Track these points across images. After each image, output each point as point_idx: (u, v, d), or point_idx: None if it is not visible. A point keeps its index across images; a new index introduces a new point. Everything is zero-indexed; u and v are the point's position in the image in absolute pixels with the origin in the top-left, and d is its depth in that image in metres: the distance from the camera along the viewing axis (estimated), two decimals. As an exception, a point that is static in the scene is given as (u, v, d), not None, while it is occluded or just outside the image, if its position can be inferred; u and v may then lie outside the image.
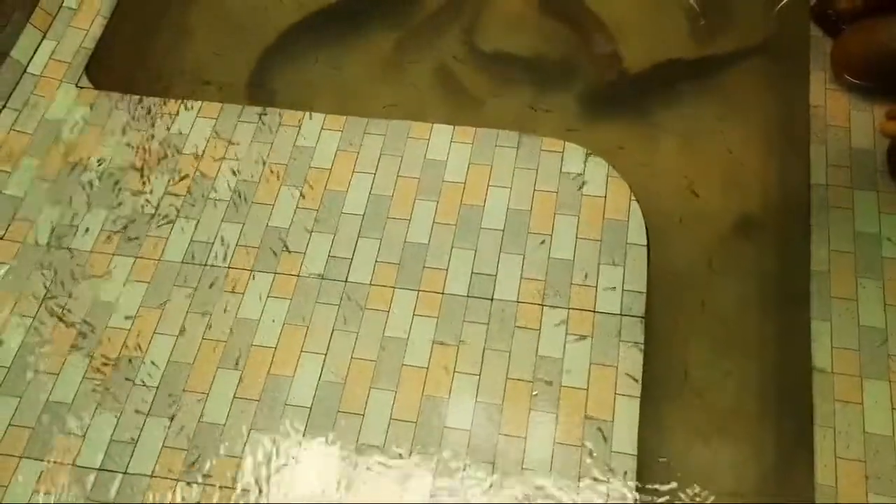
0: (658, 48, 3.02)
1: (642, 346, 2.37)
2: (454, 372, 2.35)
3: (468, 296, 2.46)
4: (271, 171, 2.71)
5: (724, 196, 2.76)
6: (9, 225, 2.66)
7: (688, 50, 3.04)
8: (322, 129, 2.78)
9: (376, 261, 2.53)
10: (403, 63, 3.09)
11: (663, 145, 2.86)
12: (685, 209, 2.72)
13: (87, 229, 2.64)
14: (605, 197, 2.59)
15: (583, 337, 2.38)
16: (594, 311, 2.41)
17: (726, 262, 2.65)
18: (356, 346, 2.40)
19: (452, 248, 2.54)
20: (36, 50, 3.01)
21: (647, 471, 2.27)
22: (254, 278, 2.52)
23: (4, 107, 2.89)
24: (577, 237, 2.53)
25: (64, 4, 3.13)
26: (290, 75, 3.09)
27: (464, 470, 2.22)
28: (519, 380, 2.33)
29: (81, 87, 2.94)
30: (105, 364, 2.41)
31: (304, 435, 2.29)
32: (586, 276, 2.46)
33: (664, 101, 2.93)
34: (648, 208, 2.58)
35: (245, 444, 2.28)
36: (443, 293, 2.47)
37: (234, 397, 2.35)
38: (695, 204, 2.73)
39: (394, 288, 2.48)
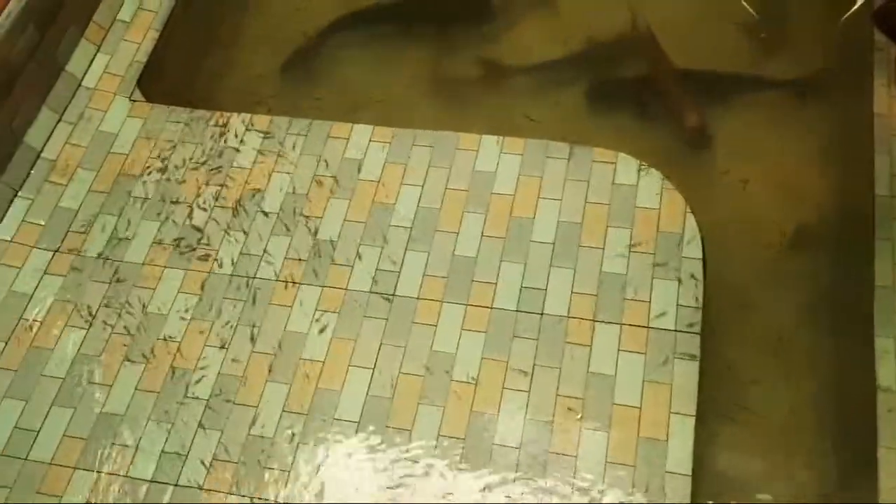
0: (716, 58, 2.96)
1: (698, 363, 2.30)
2: (503, 388, 2.31)
3: (517, 310, 2.42)
4: (320, 184, 2.71)
5: (782, 208, 2.69)
6: (64, 237, 2.70)
7: (747, 61, 2.97)
8: (370, 140, 2.77)
9: (424, 274, 2.51)
10: (451, 74, 3.07)
11: (719, 156, 2.79)
12: (742, 221, 2.65)
13: (139, 241, 2.66)
14: (659, 209, 2.53)
15: (636, 353, 2.33)
16: (647, 327, 2.36)
17: (785, 276, 2.58)
18: (404, 361, 2.38)
19: (501, 261, 2.51)
20: (90, 64, 3.06)
21: (702, 492, 2.21)
22: (302, 291, 2.52)
23: (60, 120, 2.94)
24: (630, 251, 2.47)
25: (117, 18, 3.17)
26: (340, 87, 3.09)
27: (512, 487, 2.18)
28: (569, 397, 2.28)
29: (134, 101, 2.97)
30: (157, 376, 2.42)
31: (351, 450, 2.27)
32: (639, 291, 2.41)
33: (720, 110, 2.86)
34: (704, 221, 2.51)
35: (294, 458, 2.28)
36: (491, 307, 2.43)
37: (283, 411, 2.34)
38: (752, 216, 2.66)
39: (442, 302, 2.46)
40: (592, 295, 2.42)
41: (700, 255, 2.45)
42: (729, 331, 2.46)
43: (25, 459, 2.33)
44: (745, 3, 3.08)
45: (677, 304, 2.38)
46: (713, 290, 2.43)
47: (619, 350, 2.33)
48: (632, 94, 2.99)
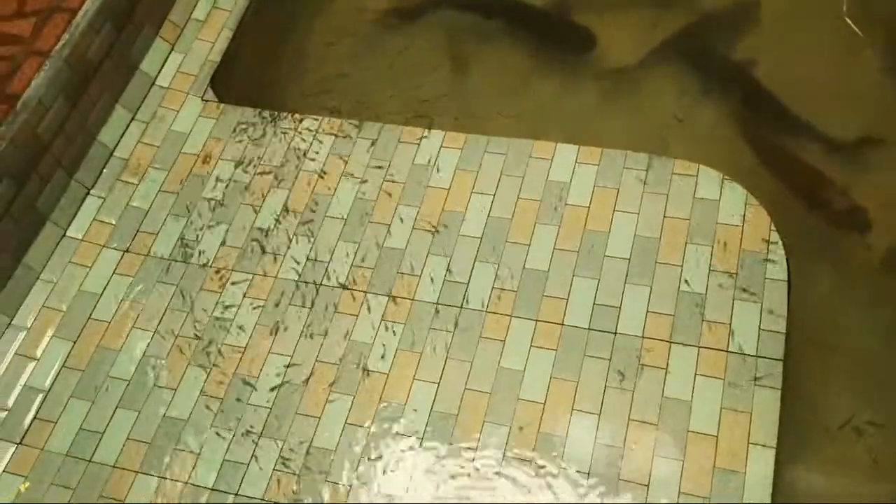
0: (818, 74, 2.82)
1: (780, 391, 2.17)
2: (573, 410, 2.22)
3: (589, 328, 2.33)
4: (388, 190, 2.65)
5: (873, 226, 2.53)
6: (134, 237, 2.71)
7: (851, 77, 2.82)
8: (441, 146, 2.70)
9: (493, 287, 2.43)
10: (531, 83, 2.99)
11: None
12: (830, 241, 2.50)
13: (207, 243, 2.65)
14: (743, 226, 2.40)
15: (714, 378, 2.21)
16: (727, 352, 2.24)
17: (875, 299, 2.43)
18: (470, 377, 2.31)
19: (574, 276, 2.41)
20: (164, 62, 3.06)
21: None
22: (368, 301, 2.47)
23: (133, 119, 2.94)
24: (710, 269, 2.35)
25: (192, 16, 3.16)
26: (412, 92, 3.03)
27: (580, 513, 2.10)
28: (642, 422, 2.18)
29: (206, 101, 2.96)
30: (221, 382, 2.41)
31: (415, 466, 2.22)
32: (719, 313, 2.29)
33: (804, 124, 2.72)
34: (790, 240, 2.38)
35: (355, 472, 2.23)
36: (562, 324, 2.34)
37: (346, 423, 2.30)
38: (841, 236, 2.51)
39: (511, 316, 2.38)
40: (669, 315, 2.31)
41: (785, 277, 2.32)
42: (814, 357, 2.32)
43: (89, 461, 2.34)
44: (848, 21, 2.91)
45: (759, 328, 2.26)
46: (798, 314, 2.30)
47: (696, 374, 2.22)
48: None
